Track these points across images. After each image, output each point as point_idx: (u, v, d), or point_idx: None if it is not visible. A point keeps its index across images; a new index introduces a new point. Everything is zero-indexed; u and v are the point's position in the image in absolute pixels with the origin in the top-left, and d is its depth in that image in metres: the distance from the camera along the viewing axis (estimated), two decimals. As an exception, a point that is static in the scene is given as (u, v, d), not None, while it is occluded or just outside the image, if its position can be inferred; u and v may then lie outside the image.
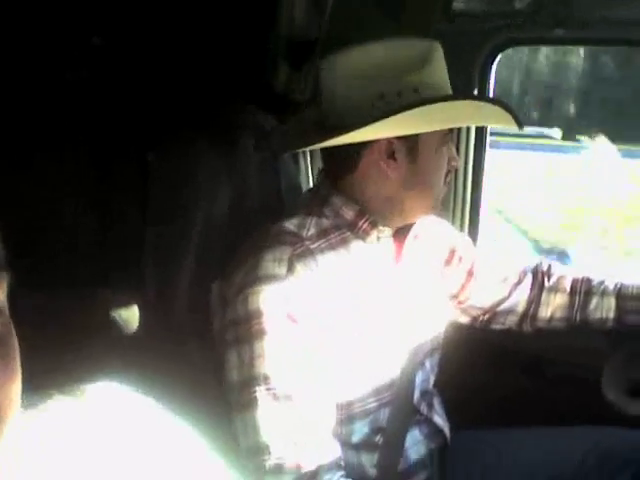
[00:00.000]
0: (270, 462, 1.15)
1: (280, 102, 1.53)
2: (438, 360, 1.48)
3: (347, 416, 1.28)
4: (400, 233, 1.37)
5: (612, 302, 1.51)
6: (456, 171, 1.71)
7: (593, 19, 1.50)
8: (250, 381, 1.18)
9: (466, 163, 1.74)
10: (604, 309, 1.52)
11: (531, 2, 1.54)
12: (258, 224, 1.32)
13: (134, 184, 1.30)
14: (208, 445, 0.79)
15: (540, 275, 1.58)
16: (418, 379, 1.40)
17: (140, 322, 1.26)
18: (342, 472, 1.20)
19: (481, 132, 1.73)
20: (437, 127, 1.27)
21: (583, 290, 1.54)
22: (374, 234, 1.31)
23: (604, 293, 1.52)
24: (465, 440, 1.51)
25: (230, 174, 1.36)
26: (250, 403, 1.17)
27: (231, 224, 1.36)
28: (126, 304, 1.26)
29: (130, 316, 1.26)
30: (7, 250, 0.58)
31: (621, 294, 1.51)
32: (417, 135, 1.28)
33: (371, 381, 1.29)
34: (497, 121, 1.36)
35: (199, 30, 1.59)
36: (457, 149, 1.69)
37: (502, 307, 1.57)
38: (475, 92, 1.68)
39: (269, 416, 1.17)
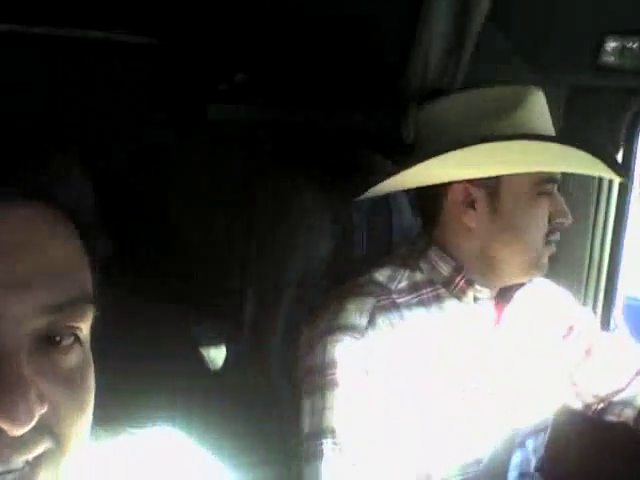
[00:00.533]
0: None
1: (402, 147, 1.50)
2: (544, 442, 1.36)
3: None
4: (503, 297, 1.28)
5: None
6: (593, 231, 1.58)
7: None
8: (318, 432, 1.14)
9: (605, 223, 1.58)
10: None
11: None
12: (360, 268, 1.28)
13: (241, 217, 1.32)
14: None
15: None
16: (515, 459, 1.28)
17: (226, 361, 1.27)
18: None
19: (624, 185, 1.56)
20: (512, 170, 1.16)
21: None
22: (470, 294, 1.23)
23: None
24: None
25: (337, 216, 1.34)
26: (315, 455, 1.13)
27: (332, 266, 1.33)
28: (215, 342, 1.27)
29: (217, 354, 1.27)
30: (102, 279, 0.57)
31: None
32: (498, 181, 1.19)
33: (453, 453, 1.20)
34: (590, 169, 1.23)
35: (332, 76, 1.61)
36: (597, 204, 1.56)
37: (618, 397, 1.40)
38: (620, 152, 1.54)
39: (332, 471, 1.12)
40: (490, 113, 1.20)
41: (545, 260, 1.23)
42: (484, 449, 1.22)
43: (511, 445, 1.27)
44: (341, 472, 1.12)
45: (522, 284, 1.27)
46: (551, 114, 1.49)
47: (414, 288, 1.23)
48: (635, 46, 1.47)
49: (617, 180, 1.54)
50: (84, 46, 1.71)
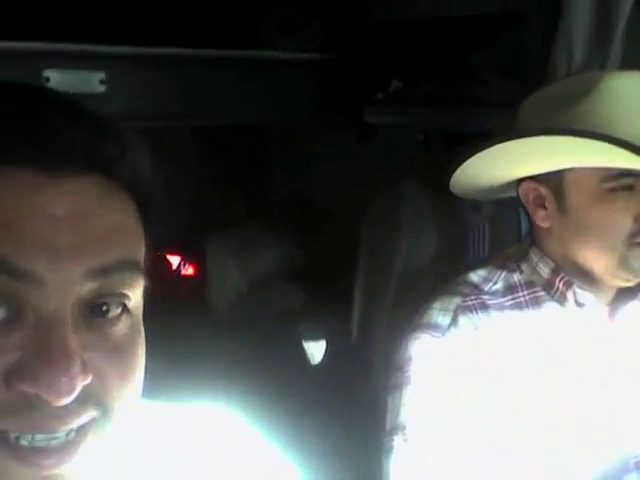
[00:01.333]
0: None
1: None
2: None
3: None
4: (619, 304, 1.16)
5: None
6: None
7: None
8: (392, 428, 1.14)
9: None
10: None
11: None
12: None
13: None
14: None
15: None
16: None
17: (327, 355, 1.32)
18: None
19: None
20: (558, 165, 1.08)
21: None
22: (571, 297, 1.14)
23: None
24: None
25: (436, 220, 1.33)
26: (389, 450, 1.13)
27: (436, 269, 1.32)
28: (317, 337, 1.33)
29: (318, 349, 1.33)
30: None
31: None
32: (561, 178, 1.10)
33: (542, 467, 1.12)
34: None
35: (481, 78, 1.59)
36: None
37: None
38: None
39: (400, 467, 1.11)
40: (553, 103, 1.11)
41: (638, 263, 1.09)
42: (584, 470, 1.12)
43: (622, 469, 1.14)
44: (408, 468, 1.11)
45: (637, 289, 1.15)
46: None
47: (510, 290, 1.17)
48: None
49: None
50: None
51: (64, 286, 0.48)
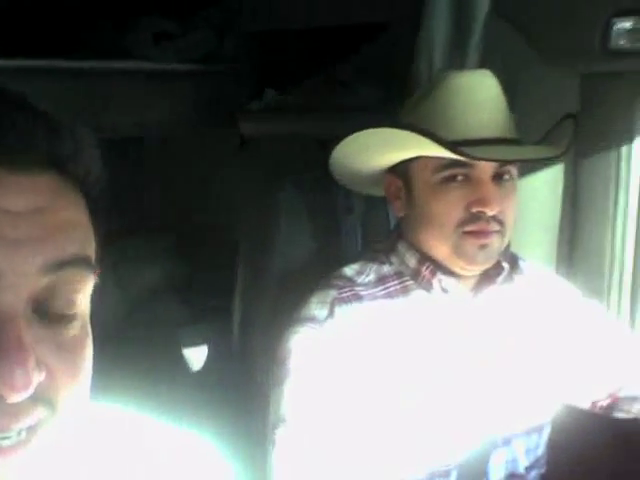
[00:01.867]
0: None
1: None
2: (541, 442, 1.29)
3: None
4: (479, 289, 1.24)
5: None
6: (613, 225, 1.49)
7: None
8: (275, 422, 1.16)
9: (625, 215, 1.48)
10: None
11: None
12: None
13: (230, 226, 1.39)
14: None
15: None
16: (499, 459, 1.23)
17: (209, 359, 1.33)
18: None
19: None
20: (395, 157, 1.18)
21: None
22: (436, 284, 1.21)
23: None
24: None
25: (312, 221, 1.38)
26: (273, 443, 1.16)
27: (313, 268, 1.36)
28: (198, 343, 1.34)
29: (199, 355, 1.34)
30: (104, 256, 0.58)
31: None
32: (408, 170, 1.19)
33: (417, 446, 1.18)
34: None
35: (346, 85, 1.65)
36: (616, 196, 1.47)
37: (627, 392, 1.30)
38: (638, 140, 1.45)
39: (282, 462, 1.14)
40: (413, 102, 1.22)
41: (472, 251, 1.15)
42: (455, 446, 1.19)
43: (490, 443, 1.22)
44: (290, 459, 1.13)
45: (498, 275, 1.23)
46: (566, 103, 1.46)
47: (381, 281, 1.23)
48: (642, 26, 1.39)
49: (635, 170, 1.45)
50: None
51: (20, 279, 0.48)
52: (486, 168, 1.14)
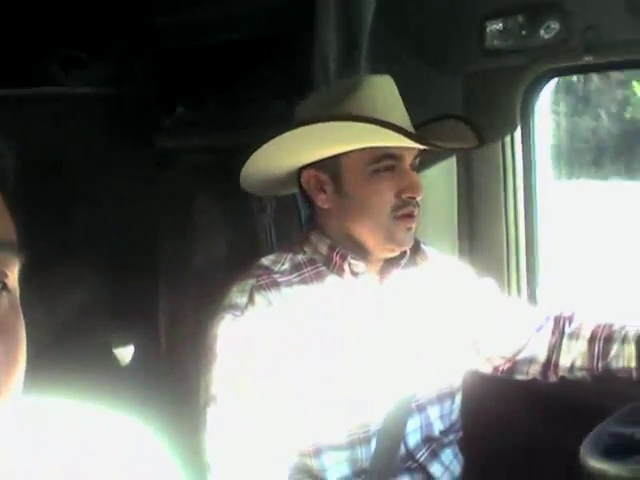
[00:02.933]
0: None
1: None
2: (454, 408, 1.41)
3: (314, 449, 1.27)
4: (387, 272, 1.36)
5: (633, 349, 1.34)
6: (505, 211, 1.64)
7: (622, 43, 1.37)
8: (205, 403, 1.24)
9: (515, 201, 1.63)
10: (625, 357, 1.34)
11: (559, 31, 1.45)
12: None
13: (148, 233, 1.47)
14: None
15: (561, 321, 1.45)
16: (414, 424, 1.34)
17: (138, 356, 1.40)
18: None
19: (528, 156, 1.62)
20: (331, 151, 1.26)
21: (603, 336, 1.39)
22: (347, 268, 1.31)
23: (625, 340, 1.35)
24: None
25: (227, 224, 1.47)
26: (203, 425, 1.23)
27: (232, 265, 1.45)
28: (126, 340, 1.41)
29: (126, 352, 1.41)
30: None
31: None
32: (338, 164, 1.28)
33: (339, 416, 1.27)
34: (388, 141, 1.24)
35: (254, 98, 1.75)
36: (505, 183, 1.61)
37: (522, 355, 1.45)
38: (518, 132, 1.60)
39: (213, 438, 1.22)
40: (324, 104, 1.30)
41: (402, 234, 1.28)
42: (373, 414, 1.29)
43: (406, 410, 1.33)
44: (222, 438, 1.21)
45: (401, 258, 1.34)
46: (451, 102, 1.59)
47: (296, 268, 1.33)
48: (513, 26, 1.54)
49: (519, 156, 1.60)
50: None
51: None
52: (408, 159, 1.28)
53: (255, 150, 1.29)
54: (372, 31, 1.58)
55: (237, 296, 1.28)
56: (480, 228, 1.66)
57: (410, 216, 1.28)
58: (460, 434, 1.43)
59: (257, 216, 1.51)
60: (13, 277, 0.56)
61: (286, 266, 1.33)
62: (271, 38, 1.72)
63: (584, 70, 1.60)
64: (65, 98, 1.94)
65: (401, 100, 1.32)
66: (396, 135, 1.21)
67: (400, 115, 1.31)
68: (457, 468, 1.39)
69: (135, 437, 0.71)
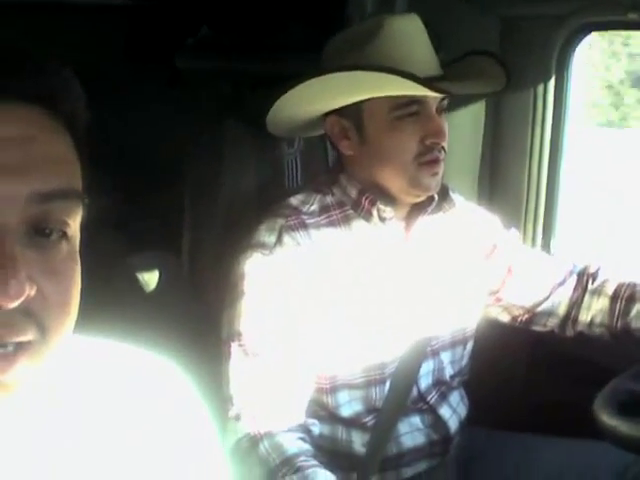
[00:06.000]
0: (231, 412, 1.23)
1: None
2: (465, 354, 1.44)
3: (331, 386, 1.31)
4: (414, 218, 1.36)
5: None
6: (530, 159, 1.64)
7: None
8: (229, 337, 1.27)
9: (541, 150, 1.62)
10: None
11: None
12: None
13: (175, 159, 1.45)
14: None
15: (585, 277, 1.48)
16: (427, 368, 1.38)
17: (162, 283, 1.41)
18: (301, 435, 1.22)
19: (559, 109, 1.60)
20: (350, 99, 1.25)
21: (626, 296, 1.41)
22: (375, 213, 1.32)
23: None
24: (484, 437, 1.46)
25: (256, 155, 1.45)
26: (226, 357, 1.26)
27: (258, 198, 1.45)
28: (151, 266, 1.42)
29: (151, 277, 1.42)
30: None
31: None
32: (360, 110, 1.28)
33: (358, 357, 1.31)
34: (409, 90, 1.23)
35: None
36: (532, 131, 1.61)
37: (542, 307, 1.48)
38: (552, 85, 1.59)
39: (237, 370, 1.25)
40: (349, 44, 1.29)
41: (426, 180, 1.28)
42: (390, 356, 1.33)
43: (421, 355, 1.36)
44: (246, 371, 1.25)
45: (429, 204, 1.35)
46: (487, 46, 1.56)
47: (324, 210, 1.34)
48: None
49: (549, 108, 1.59)
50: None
51: (9, 203, 0.51)
52: (432, 104, 1.26)
53: (279, 97, 1.29)
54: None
55: (266, 235, 1.29)
56: (502, 176, 1.67)
57: (435, 162, 1.27)
58: (465, 377, 1.47)
59: (285, 151, 1.49)
60: (75, 225, 0.57)
61: (314, 207, 1.33)
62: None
63: (626, 27, 1.58)
64: (82, 8, 1.88)
65: (428, 39, 1.30)
66: (412, 83, 1.19)
67: (423, 55, 1.28)
68: (463, 410, 1.44)
69: (161, 374, 0.72)
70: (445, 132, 1.27)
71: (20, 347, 0.52)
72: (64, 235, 0.55)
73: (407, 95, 1.24)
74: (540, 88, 1.59)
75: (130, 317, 1.29)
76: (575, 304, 1.47)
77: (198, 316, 1.42)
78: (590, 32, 1.55)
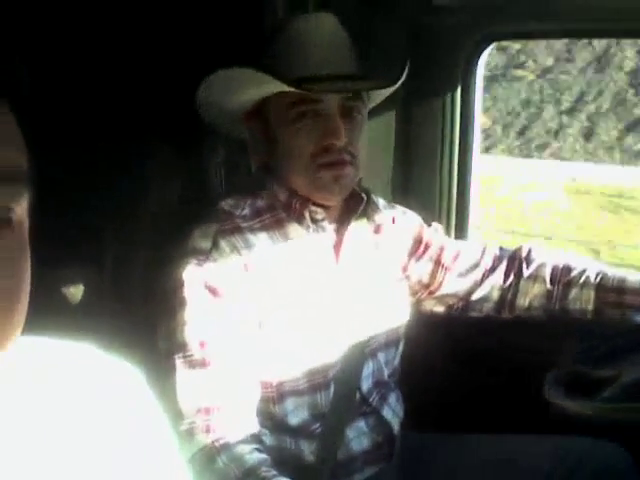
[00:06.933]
0: (183, 427, 1.17)
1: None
2: (398, 354, 1.46)
3: (278, 394, 1.28)
4: (342, 221, 1.36)
5: (591, 294, 1.42)
6: (441, 157, 1.69)
7: (570, 9, 1.45)
8: (171, 349, 1.21)
9: (451, 150, 1.69)
10: (583, 301, 1.44)
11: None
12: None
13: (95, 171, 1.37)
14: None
15: (517, 262, 1.51)
16: (367, 370, 1.38)
17: (86, 295, 1.32)
18: (257, 445, 1.19)
19: (467, 112, 1.68)
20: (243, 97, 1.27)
21: (563, 280, 1.46)
22: (307, 215, 1.31)
23: (584, 285, 1.44)
24: (421, 440, 1.47)
25: (182, 167, 1.40)
26: (170, 370, 1.20)
27: (182, 209, 1.40)
28: (75, 280, 1.32)
29: (76, 291, 1.32)
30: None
31: (601, 286, 1.42)
32: (265, 109, 1.29)
33: (300, 361, 1.29)
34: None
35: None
36: (442, 133, 1.66)
37: (476, 295, 1.51)
38: (459, 89, 1.65)
39: (184, 383, 1.19)
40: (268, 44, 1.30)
41: (328, 183, 1.26)
42: (331, 360, 1.31)
43: (361, 357, 1.36)
44: (194, 383, 1.19)
45: (358, 206, 1.35)
46: (395, 55, 1.60)
47: (256, 214, 1.31)
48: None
49: (457, 111, 1.66)
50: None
51: None
52: (333, 103, 1.25)
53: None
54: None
55: (200, 240, 1.25)
56: (415, 177, 1.71)
57: (336, 164, 1.25)
58: (397, 377, 1.48)
59: (208, 156, 1.45)
60: (21, 211, 0.54)
61: (246, 211, 1.31)
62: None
63: (528, 36, 1.68)
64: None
65: (342, 35, 1.30)
66: (274, 81, 1.20)
67: (331, 52, 1.28)
68: (401, 411, 1.45)
69: (111, 369, 0.70)
70: (340, 132, 1.23)
71: None
72: (9, 222, 0.52)
73: (295, 94, 1.23)
74: (448, 92, 1.65)
75: (56, 331, 1.20)
76: (510, 289, 1.50)
77: (126, 330, 1.33)
78: (495, 40, 1.64)
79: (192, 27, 1.51)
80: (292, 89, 1.20)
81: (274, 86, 1.22)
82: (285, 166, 1.29)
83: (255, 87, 1.25)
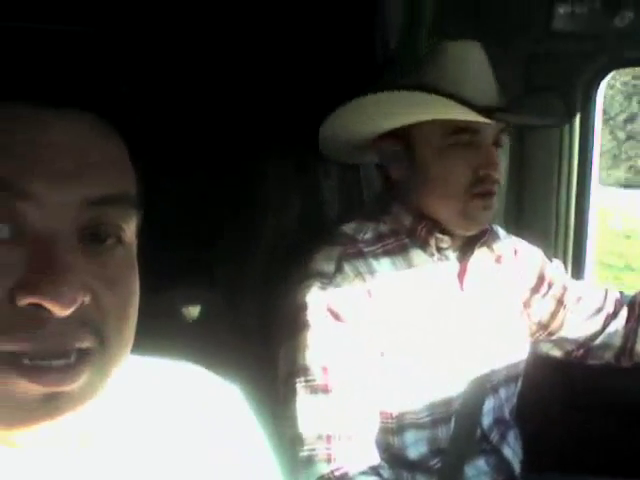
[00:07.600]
0: (303, 453, 1.14)
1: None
2: (516, 391, 1.39)
3: (398, 425, 1.23)
4: (466, 251, 1.32)
5: None
6: (558, 188, 1.63)
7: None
8: (292, 373, 1.18)
9: (569, 178, 1.63)
10: None
11: (632, 20, 1.46)
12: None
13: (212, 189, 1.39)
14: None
15: (638, 306, 1.44)
16: (488, 406, 1.32)
17: (204, 315, 1.33)
18: (376, 478, 1.14)
19: (585, 141, 1.61)
20: (401, 121, 1.23)
21: None
22: (432, 242, 1.27)
23: None
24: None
25: (301, 185, 1.40)
26: (291, 395, 1.17)
27: (301, 230, 1.39)
28: (192, 300, 1.34)
29: (193, 310, 1.34)
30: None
31: None
32: (409, 134, 1.24)
33: (423, 394, 1.24)
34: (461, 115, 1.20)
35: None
36: (560, 160, 1.61)
37: (598, 341, 1.44)
38: (578, 117, 1.60)
39: (306, 408, 1.16)
40: (402, 70, 1.28)
41: (478, 213, 1.24)
42: (453, 393, 1.26)
43: (483, 391, 1.30)
44: (316, 409, 1.16)
45: (483, 236, 1.31)
46: (512, 82, 1.57)
47: (379, 239, 1.28)
48: (584, 11, 1.54)
49: (576, 141, 1.60)
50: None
51: (63, 209, 0.51)
52: (489, 134, 1.23)
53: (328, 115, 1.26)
54: (434, 8, 1.54)
55: (324, 264, 1.22)
56: (530, 209, 1.66)
57: (488, 194, 1.23)
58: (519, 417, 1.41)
59: (323, 183, 1.45)
60: (130, 231, 0.56)
61: (369, 235, 1.28)
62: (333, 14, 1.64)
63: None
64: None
65: (489, 69, 1.27)
66: (469, 110, 1.16)
67: (483, 84, 1.25)
68: (520, 450, 1.38)
69: (217, 391, 0.72)
70: (497, 163, 1.23)
71: (81, 356, 0.51)
72: (119, 241, 0.55)
73: (455, 122, 1.21)
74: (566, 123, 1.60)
75: (174, 350, 1.21)
76: (630, 335, 1.43)
77: (242, 349, 1.33)
78: (616, 68, 1.58)
79: (307, 55, 1.52)
80: (481, 118, 1.17)
81: (454, 113, 1.18)
82: (428, 192, 1.25)
83: (421, 111, 1.21)
